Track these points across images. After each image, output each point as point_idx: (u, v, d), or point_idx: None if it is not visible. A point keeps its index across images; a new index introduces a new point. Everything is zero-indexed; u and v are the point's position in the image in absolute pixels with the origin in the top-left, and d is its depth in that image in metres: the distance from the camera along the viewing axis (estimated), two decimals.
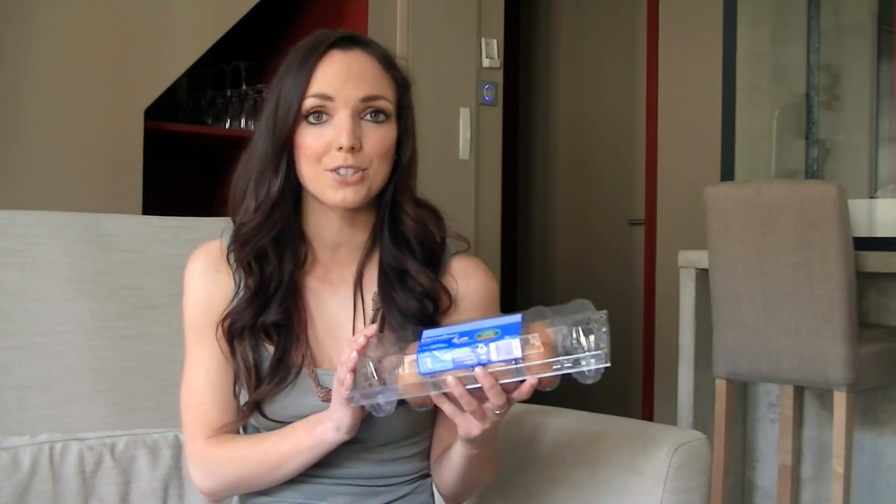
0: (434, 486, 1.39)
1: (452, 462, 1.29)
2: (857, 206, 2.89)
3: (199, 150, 3.31)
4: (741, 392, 3.08)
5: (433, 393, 1.11)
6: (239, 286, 1.31)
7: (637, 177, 4.25)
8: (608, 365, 1.06)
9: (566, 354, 1.07)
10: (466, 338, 1.09)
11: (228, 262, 1.32)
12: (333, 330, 1.31)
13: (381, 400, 1.12)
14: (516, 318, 1.11)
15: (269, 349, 1.29)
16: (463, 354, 1.08)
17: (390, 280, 1.31)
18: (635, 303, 4.24)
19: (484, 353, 1.08)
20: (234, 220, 1.32)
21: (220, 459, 1.30)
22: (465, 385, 1.09)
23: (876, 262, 2.56)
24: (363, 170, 1.25)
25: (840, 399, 2.42)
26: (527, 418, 1.63)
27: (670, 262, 3.20)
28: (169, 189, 2.91)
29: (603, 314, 1.09)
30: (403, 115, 1.31)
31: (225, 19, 2.84)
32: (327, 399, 1.25)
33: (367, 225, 1.33)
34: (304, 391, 1.28)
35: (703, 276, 2.88)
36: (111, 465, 1.53)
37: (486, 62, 3.40)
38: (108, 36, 2.61)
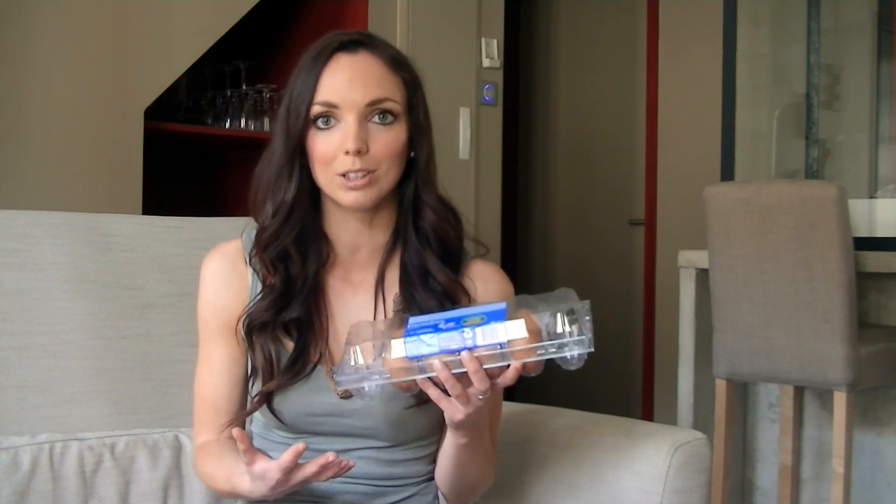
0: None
1: (445, 453, 1.30)
2: (857, 206, 2.89)
3: (199, 150, 3.32)
4: (741, 392, 3.07)
5: (419, 377, 1.12)
6: (257, 286, 1.32)
7: (637, 177, 4.25)
8: (591, 350, 1.09)
9: (551, 340, 1.09)
10: (453, 323, 1.11)
11: (248, 264, 1.33)
12: None
13: (366, 384, 1.13)
14: (501, 305, 1.13)
15: (288, 345, 1.30)
16: (449, 339, 1.10)
17: (412, 279, 1.32)
18: (635, 303, 4.24)
19: (470, 337, 1.10)
20: (255, 218, 1.34)
21: (200, 467, 1.35)
22: (450, 369, 1.11)
23: (876, 262, 2.56)
24: (371, 172, 1.25)
25: (840, 399, 2.42)
26: (527, 418, 1.63)
27: (670, 262, 3.20)
28: (169, 189, 2.91)
29: (586, 303, 1.11)
30: (414, 113, 1.31)
31: (225, 19, 2.84)
32: (345, 396, 1.27)
33: (387, 226, 1.34)
34: (318, 387, 1.29)
35: (703, 276, 2.88)
36: (111, 465, 1.53)
37: (486, 62, 3.40)
38: (108, 36, 2.61)
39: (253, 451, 1.16)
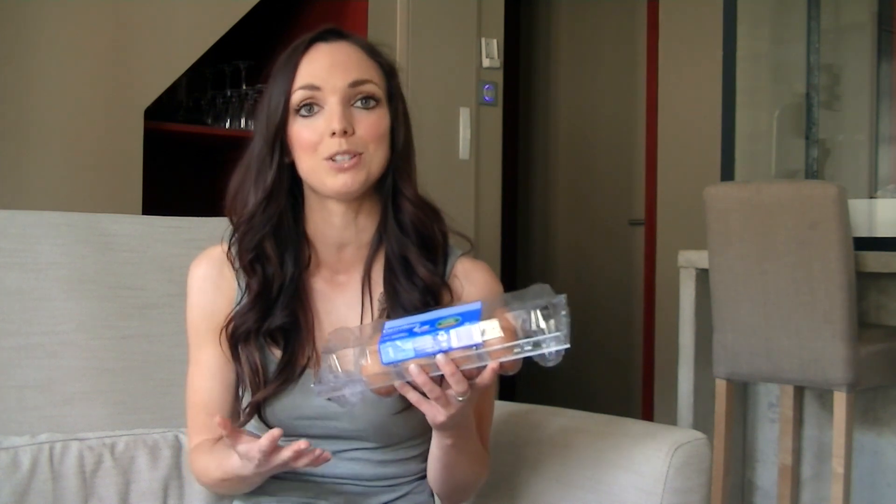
0: None
1: (433, 455, 1.30)
2: (857, 206, 2.89)
3: (199, 150, 3.31)
4: (741, 392, 3.08)
5: (397, 382, 1.12)
6: (243, 290, 1.32)
7: (637, 177, 4.25)
8: (567, 346, 1.08)
9: (526, 338, 1.09)
10: (427, 326, 1.11)
11: (231, 264, 1.33)
12: None
13: (346, 392, 1.13)
14: (476, 305, 1.12)
15: (275, 352, 1.30)
16: (424, 343, 1.10)
17: (395, 272, 1.31)
18: (635, 303, 4.24)
19: (444, 340, 1.09)
20: (230, 221, 1.33)
21: (194, 465, 1.35)
22: (427, 373, 1.10)
23: (876, 262, 2.56)
24: (359, 154, 1.25)
25: (840, 399, 2.42)
26: (527, 418, 1.63)
27: (670, 262, 3.20)
28: (169, 189, 2.91)
29: (562, 297, 1.10)
30: (394, 101, 1.32)
31: (225, 19, 2.84)
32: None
33: (372, 221, 1.33)
34: (307, 391, 1.28)
35: (703, 276, 2.88)
36: (111, 465, 1.53)
37: (486, 62, 3.40)
38: (108, 36, 2.61)
39: (236, 434, 1.16)
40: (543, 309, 1.09)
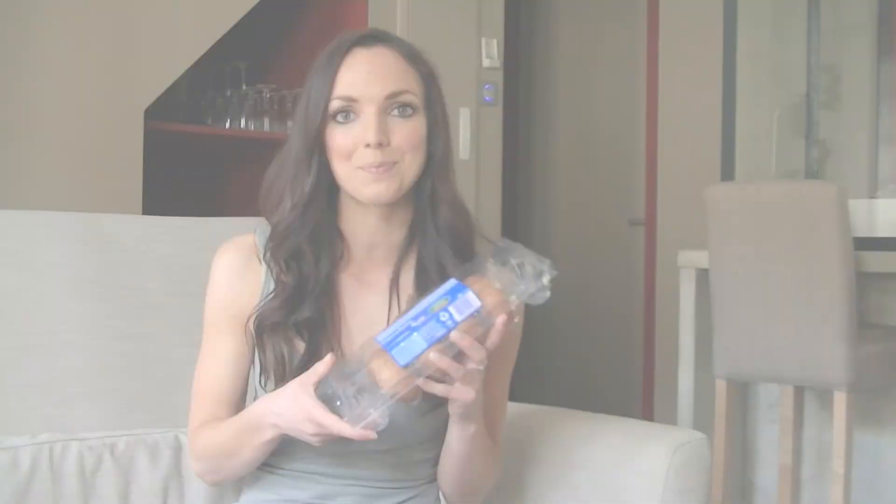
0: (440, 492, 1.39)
1: (451, 451, 1.30)
2: (857, 206, 2.89)
3: (199, 150, 3.31)
4: (741, 392, 3.08)
5: (420, 381, 1.14)
6: (269, 284, 1.31)
7: (637, 177, 4.25)
8: (555, 272, 1.15)
9: (514, 287, 1.15)
10: (423, 317, 1.14)
11: (261, 260, 1.33)
12: (367, 330, 1.30)
13: (374, 413, 1.13)
14: (452, 282, 1.17)
15: (300, 347, 1.29)
16: (431, 329, 1.13)
17: (430, 274, 1.31)
18: (635, 303, 4.24)
19: (447, 318, 1.13)
20: (267, 218, 1.33)
21: (202, 438, 1.32)
22: (448, 356, 1.13)
23: (876, 262, 2.56)
24: (394, 163, 1.26)
25: (840, 399, 2.42)
26: (527, 418, 1.63)
27: (670, 262, 3.20)
28: (169, 189, 2.91)
29: (519, 244, 1.17)
30: (432, 107, 1.31)
31: (225, 19, 2.84)
32: None
33: (404, 224, 1.33)
34: None
35: (703, 276, 2.88)
36: (111, 465, 1.53)
37: (486, 62, 3.40)
38: (108, 36, 2.61)
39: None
40: (508, 260, 1.16)
